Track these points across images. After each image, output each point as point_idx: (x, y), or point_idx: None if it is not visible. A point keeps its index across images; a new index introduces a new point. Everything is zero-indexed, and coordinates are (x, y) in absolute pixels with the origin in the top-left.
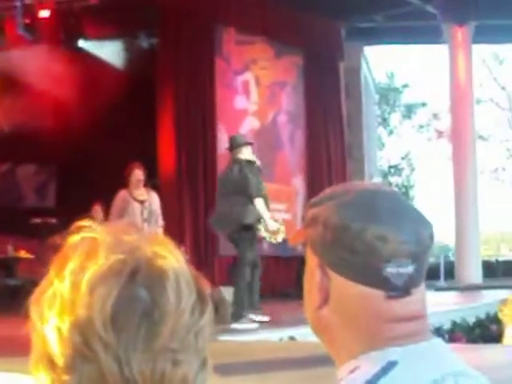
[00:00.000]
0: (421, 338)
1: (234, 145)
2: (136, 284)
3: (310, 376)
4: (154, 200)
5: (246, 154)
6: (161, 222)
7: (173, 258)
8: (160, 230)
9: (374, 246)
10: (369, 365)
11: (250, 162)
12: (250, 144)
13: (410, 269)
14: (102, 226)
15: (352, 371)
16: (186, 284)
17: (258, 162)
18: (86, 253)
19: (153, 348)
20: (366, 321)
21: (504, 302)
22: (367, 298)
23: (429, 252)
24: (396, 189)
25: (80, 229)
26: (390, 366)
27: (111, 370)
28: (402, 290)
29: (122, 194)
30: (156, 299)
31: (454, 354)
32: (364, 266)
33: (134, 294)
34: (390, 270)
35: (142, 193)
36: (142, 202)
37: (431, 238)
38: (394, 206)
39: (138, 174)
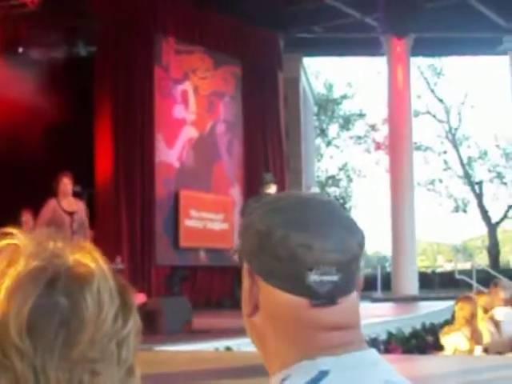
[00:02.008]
0: (354, 348)
1: (264, 182)
2: (55, 292)
3: None
4: (81, 210)
5: (273, 190)
6: (88, 232)
7: (96, 267)
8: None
9: (297, 254)
10: (300, 374)
11: None
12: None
13: (334, 277)
14: (26, 233)
15: (283, 380)
16: (108, 293)
17: None
18: (8, 259)
19: (70, 357)
20: (294, 329)
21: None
22: (293, 306)
23: (357, 261)
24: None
25: (4, 235)
26: (321, 375)
27: (27, 379)
28: (326, 298)
29: (51, 204)
30: (75, 308)
31: (387, 364)
32: (288, 274)
33: (53, 301)
34: (314, 277)
35: (70, 203)
36: (72, 214)
37: (360, 246)
38: (322, 215)
39: (66, 184)
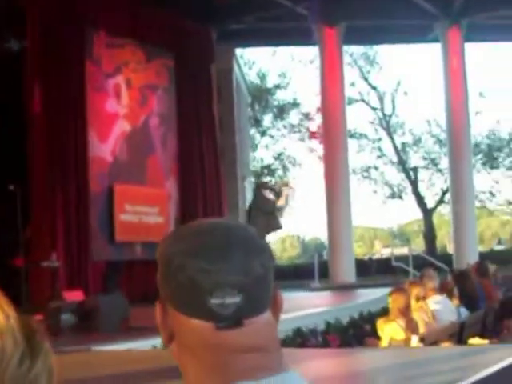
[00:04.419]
0: (272, 373)
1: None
2: None
3: None
4: None
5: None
6: None
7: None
8: None
9: (195, 279)
10: None
11: None
12: None
13: (236, 299)
14: None
15: None
16: (11, 338)
17: None
18: None
19: None
20: (205, 354)
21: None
22: (200, 330)
23: (263, 282)
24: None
25: None
26: None
27: None
28: (230, 320)
29: None
30: None
31: None
32: (191, 299)
33: None
34: (214, 301)
35: None
36: None
37: (264, 267)
38: (221, 239)
39: None
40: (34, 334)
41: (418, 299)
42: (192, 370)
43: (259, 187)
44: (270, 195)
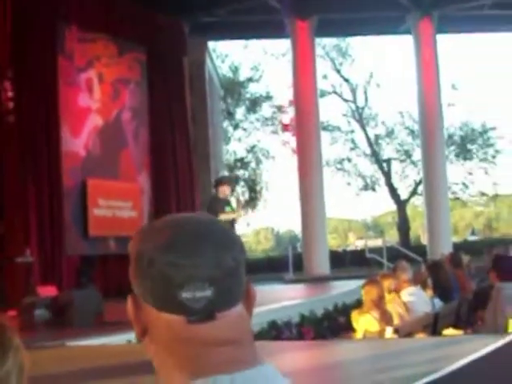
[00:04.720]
0: (246, 366)
1: (215, 184)
2: None
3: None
4: None
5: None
6: None
7: None
8: None
9: (166, 273)
10: None
11: None
12: None
13: (207, 292)
14: None
15: None
16: None
17: None
18: None
19: None
20: (178, 348)
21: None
22: (171, 324)
23: (235, 276)
24: (243, 183)
25: None
26: None
27: None
28: (202, 314)
29: None
30: None
31: (284, 379)
32: (162, 293)
33: None
34: (185, 294)
35: None
36: None
37: (236, 261)
38: (191, 234)
39: None
40: (4, 330)
41: (389, 291)
42: (165, 364)
43: (216, 186)
44: (225, 192)
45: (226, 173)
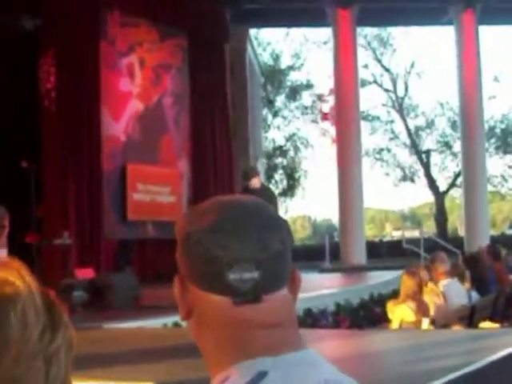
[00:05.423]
0: (291, 348)
1: (244, 176)
2: None
3: (194, 364)
4: None
5: (255, 183)
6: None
7: (22, 285)
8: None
9: (214, 254)
10: (238, 375)
11: None
12: None
13: (254, 274)
14: None
15: (222, 382)
16: (33, 311)
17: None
18: None
19: None
20: (223, 330)
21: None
22: (217, 305)
23: (282, 258)
24: (282, 171)
25: None
26: (260, 376)
27: None
28: (248, 295)
29: None
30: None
31: (327, 363)
32: (209, 274)
33: None
34: (233, 276)
35: None
36: None
37: (283, 243)
38: (238, 215)
39: None
40: (54, 307)
41: (427, 283)
42: (209, 344)
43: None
44: (256, 185)
45: (264, 160)
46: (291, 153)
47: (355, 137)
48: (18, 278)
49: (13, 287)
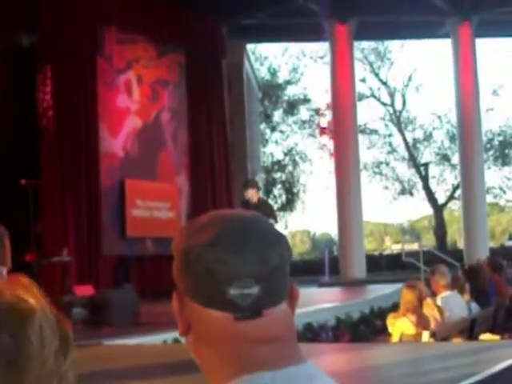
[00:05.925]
0: (290, 363)
1: (243, 186)
2: None
3: (194, 380)
4: None
5: (252, 194)
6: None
7: (36, 303)
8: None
9: (213, 269)
10: None
11: None
12: None
13: (254, 289)
14: None
15: None
16: (49, 329)
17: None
18: None
19: None
20: (224, 345)
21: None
22: (218, 321)
23: (281, 273)
24: (281, 185)
25: None
26: None
27: None
28: (249, 311)
29: None
30: (19, 346)
31: (326, 377)
32: (209, 290)
33: None
34: (233, 291)
35: None
36: None
37: (282, 257)
38: (237, 230)
39: None
40: (65, 326)
41: (427, 296)
42: (209, 360)
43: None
44: (252, 197)
45: (262, 175)
46: (290, 167)
47: (353, 151)
48: (31, 296)
49: (27, 304)
